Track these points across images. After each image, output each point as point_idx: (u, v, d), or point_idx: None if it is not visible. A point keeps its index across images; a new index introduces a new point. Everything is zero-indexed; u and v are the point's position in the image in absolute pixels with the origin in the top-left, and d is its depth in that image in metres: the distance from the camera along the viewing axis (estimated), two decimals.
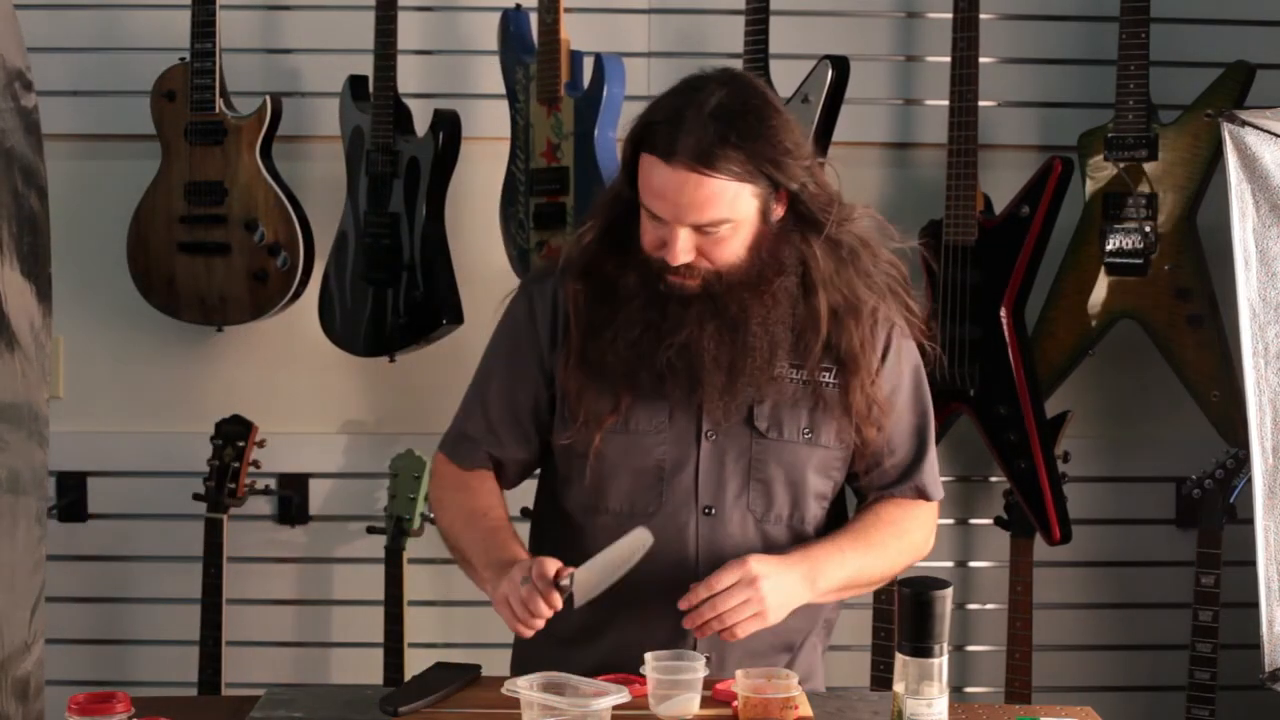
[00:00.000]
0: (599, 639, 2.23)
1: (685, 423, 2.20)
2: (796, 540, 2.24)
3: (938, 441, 3.29)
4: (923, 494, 2.32)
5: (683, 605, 2.07)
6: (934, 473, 2.34)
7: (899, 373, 2.28)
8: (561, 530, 2.28)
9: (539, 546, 2.32)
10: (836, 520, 2.32)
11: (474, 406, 2.33)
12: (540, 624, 2.06)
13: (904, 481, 2.31)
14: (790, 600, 2.12)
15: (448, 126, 3.35)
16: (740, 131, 2.06)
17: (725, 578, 2.07)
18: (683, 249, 2.10)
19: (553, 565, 2.06)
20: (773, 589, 2.08)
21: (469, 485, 2.30)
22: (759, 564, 2.09)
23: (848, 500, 2.38)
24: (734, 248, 2.12)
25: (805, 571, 2.14)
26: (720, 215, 2.08)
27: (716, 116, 2.06)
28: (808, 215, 2.15)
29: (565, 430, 2.23)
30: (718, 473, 2.21)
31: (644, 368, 2.16)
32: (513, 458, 2.32)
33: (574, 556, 2.12)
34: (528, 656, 2.33)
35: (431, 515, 3.24)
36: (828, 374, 2.22)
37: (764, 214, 2.13)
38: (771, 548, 2.21)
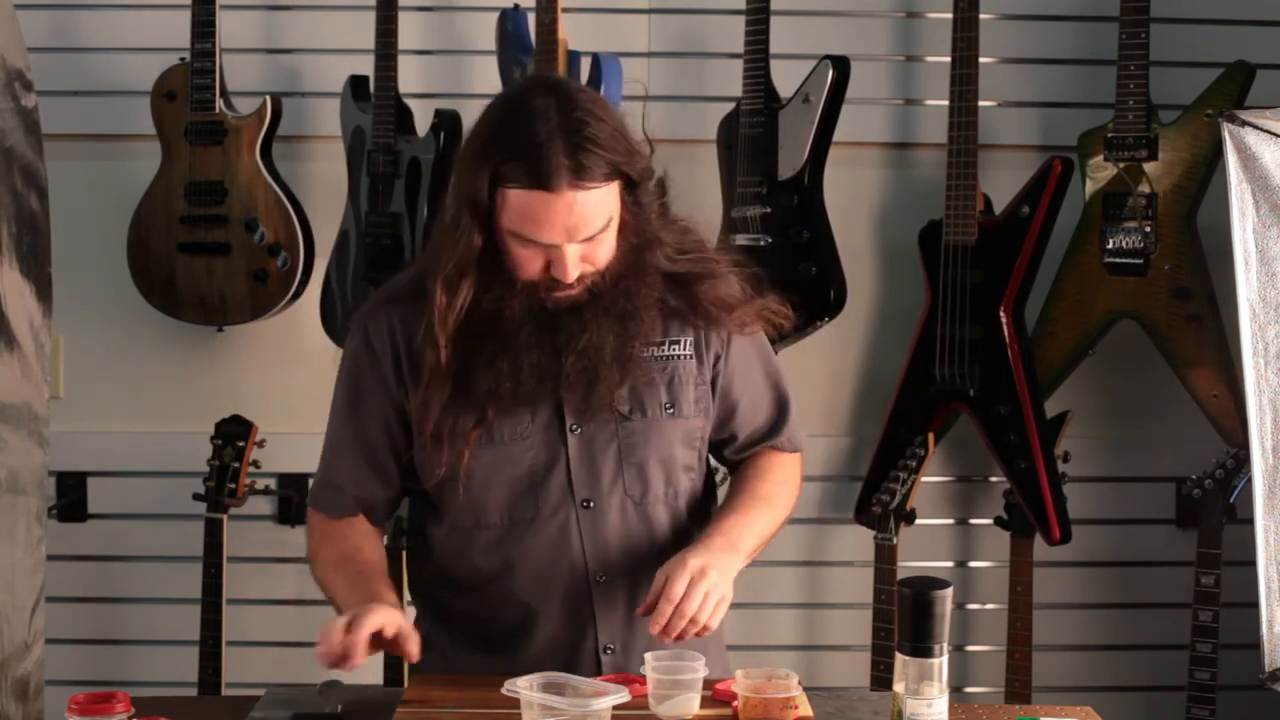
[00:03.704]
0: (507, 647, 2.23)
1: (548, 422, 2.20)
2: (674, 519, 2.26)
3: (937, 442, 3.32)
4: (793, 445, 2.37)
5: (654, 629, 2.06)
6: (797, 424, 2.39)
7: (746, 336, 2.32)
8: (441, 553, 2.26)
9: (419, 571, 2.33)
10: (707, 489, 2.35)
11: (331, 452, 2.30)
12: (347, 665, 2.01)
13: (771, 438, 2.35)
14: (731, 576, 2.14)
15: (449, 126, 3.34)
16: (590, 134, 2.06)
17: (678, 584, 2.06)
18: (573, 263, 2.09)
19: (378, 622, 2.02)
20: (716, 570, 2.10)
21: (339, 532, 2.27)
22: (695, 558, 2.10)
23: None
24: (611, 243, 2.13)
25: (722, 544, 2.16)
26: (604, 220, 2.09)
27: (567, 129, 2.05)
28: (644, 194, 2.17)
29: (436, 462, 2.18)
30: (590, 465, 2.21)
31: (545, 388, 2.15)
32: (380, 497, 2.29)
33: (458, 574, 2.21)
34: (440, 664, 2.30)
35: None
36: (677, 345, 2.25)
37: (624, 201, 2.14)
38: (654, 529, 2.23)
